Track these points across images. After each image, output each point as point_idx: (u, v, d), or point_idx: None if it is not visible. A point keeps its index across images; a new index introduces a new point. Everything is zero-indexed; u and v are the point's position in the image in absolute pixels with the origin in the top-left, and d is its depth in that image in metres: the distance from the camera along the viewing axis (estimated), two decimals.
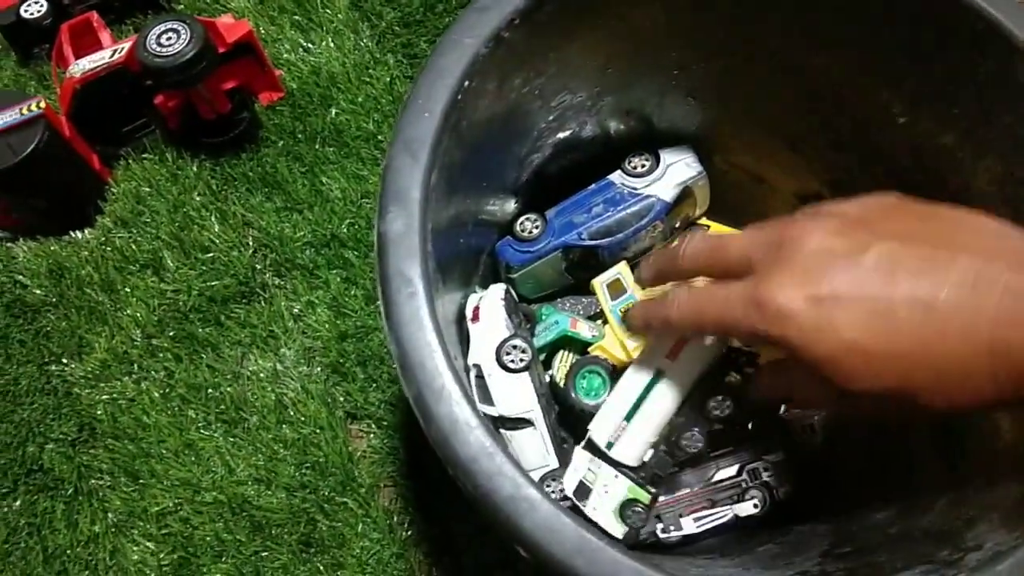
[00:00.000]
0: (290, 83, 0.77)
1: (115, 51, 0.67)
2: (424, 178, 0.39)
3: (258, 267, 0.70)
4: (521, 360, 0.53)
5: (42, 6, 0.75)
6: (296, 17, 0.80)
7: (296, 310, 0.68)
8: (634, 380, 0.52)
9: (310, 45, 0.78)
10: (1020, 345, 0.28)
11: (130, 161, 0.73)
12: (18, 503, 0.62)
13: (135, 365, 0.66)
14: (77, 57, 0.68)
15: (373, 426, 0.64)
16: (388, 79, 0.77)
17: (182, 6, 0.81)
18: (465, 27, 0.41)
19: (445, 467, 0.35)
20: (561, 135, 0.57)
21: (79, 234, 0.71)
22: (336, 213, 0.71)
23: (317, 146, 0.74)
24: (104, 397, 0.65)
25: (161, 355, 0.66)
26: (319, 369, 0.66)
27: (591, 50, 0.51)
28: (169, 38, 0.65)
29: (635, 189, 0.60)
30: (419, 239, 0.38)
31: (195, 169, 0.73)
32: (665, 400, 0.51)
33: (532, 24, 0.43)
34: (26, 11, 0.76)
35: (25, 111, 0.64)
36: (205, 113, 0.71)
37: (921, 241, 0.31)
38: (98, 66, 0.67)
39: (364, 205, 0.72)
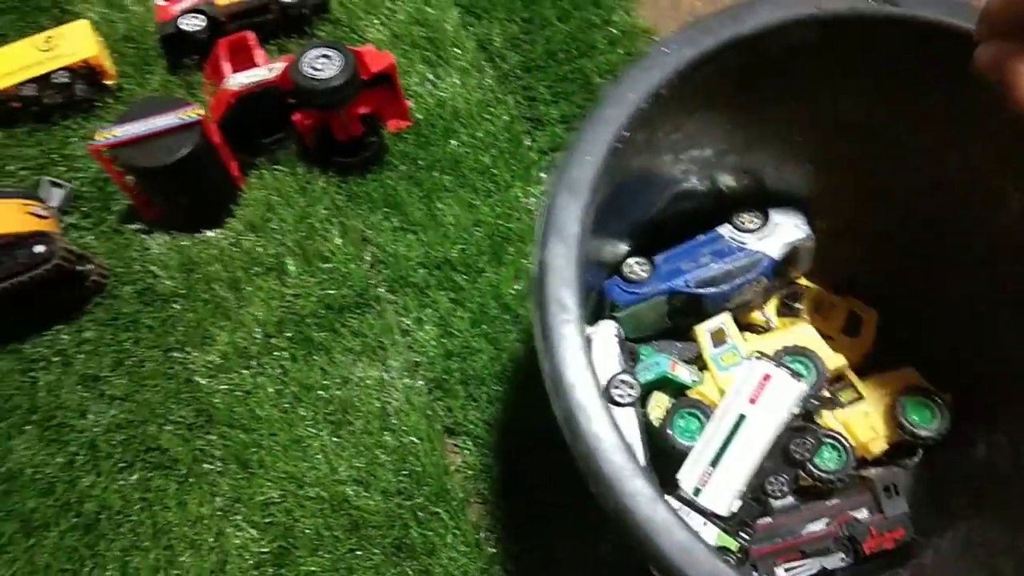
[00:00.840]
0: (417, 114, 0.81)
1: (271, 69, 0.73)
2: (583, 216, 0.42)
3: (373, 281, 0.74)
4: (629, 396, 0.56)
5: (202, 21, 0.82)
6: (427, 52, 0.85)
7: (405, 325, 0.72)
8: (718, 426, 0.55)
9: (437, 80, 0.83)
10: None
11: (264, 171, 0.79)
12: (135, 477, 0.66)
13: (253, 360, 0.70)
14: (235, 71, 0.74)
15: (469, 443, 0.67)
16: (507, 118, 0.81)
17: (323, 33, 0.87)
18: (630, 83, 0.45)
19: (586, 483, 0.38)
20: (683, 186, 0.60)
21: (211, 233, 0.76)
22: (448, 238, 0.75)
23: (435, 174, 0.79)
24: (222, 387, 0.69)
25: (278, 354, 0.70)
26: (422, 383, 0.69)
27: (726, 112, 0.54)
28: (322, 63, 0.70)
29: (744, 244, 0.63)
30: (575, 270, 0.41)
31: (323, 184, 0.78)
32: (749, 444, 0.53)
33: (686, 84, 0.47)
34: (185, 24, 0.82)
35: (183, 116, 0.70)
36: (339, 134, 0.76)
37: None
38: (254, 82, 0.72)
39: (474, 233, 0.76)
